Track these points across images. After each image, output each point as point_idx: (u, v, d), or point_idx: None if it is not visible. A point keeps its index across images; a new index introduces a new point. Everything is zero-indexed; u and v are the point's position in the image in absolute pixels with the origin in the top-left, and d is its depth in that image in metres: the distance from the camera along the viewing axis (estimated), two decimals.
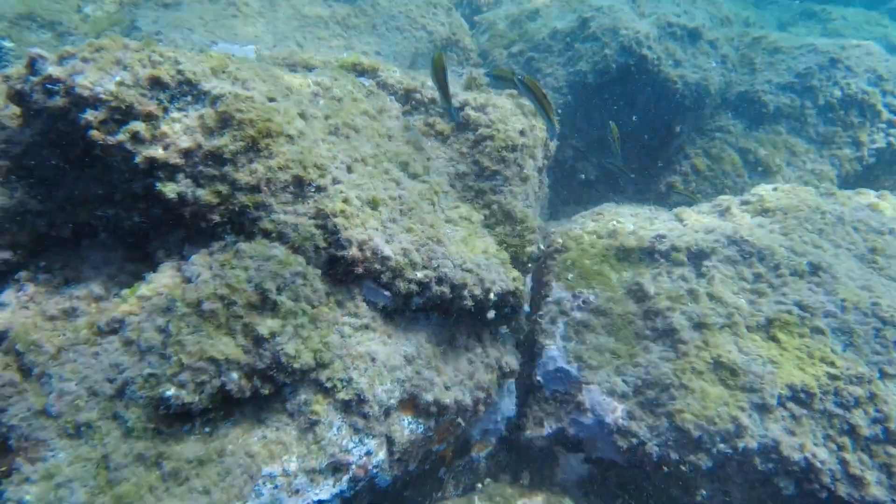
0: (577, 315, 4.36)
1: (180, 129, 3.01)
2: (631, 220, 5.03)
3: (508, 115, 4.18)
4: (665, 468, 3.76)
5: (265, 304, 2.85)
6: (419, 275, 3.24)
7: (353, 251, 3.08)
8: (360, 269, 3.11)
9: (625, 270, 4.58)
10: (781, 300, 4.10)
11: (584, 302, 4.40)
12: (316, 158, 3.15)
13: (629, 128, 8.04)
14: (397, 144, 3.84)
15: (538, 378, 4.23)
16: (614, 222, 4.95)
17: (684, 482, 3.81)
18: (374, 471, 3.16)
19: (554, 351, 4.25)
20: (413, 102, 4.36)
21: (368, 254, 3.13)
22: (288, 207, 3.07)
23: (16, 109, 3.13)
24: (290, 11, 6.50)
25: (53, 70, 2.84)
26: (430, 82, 4.45)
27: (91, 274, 3.19)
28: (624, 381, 3.98)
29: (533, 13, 8.94)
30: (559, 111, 7.62)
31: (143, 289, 2.96)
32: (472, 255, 3.48)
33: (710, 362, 3.85)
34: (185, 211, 3.03)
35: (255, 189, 3.01)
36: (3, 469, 2.54)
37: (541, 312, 4.46)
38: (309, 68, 4.33)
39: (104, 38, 3.01)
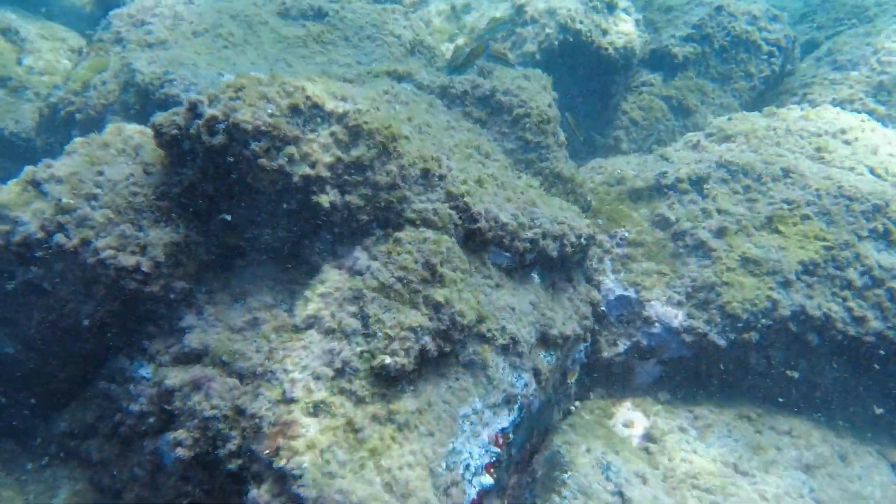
0: (619, 251, 5.20)
1: (318, 147, 3.46)
2: (629, 167, 5.93)
3: (535, 94, 4.90)
4: (724, 350, 4.69)
5: (434, 278, 3.40)
6: (530, 234, 3.90)
7: (483, 223, 3.69)
8: (488, 236, 3.73)
9: (641, 208, 5.48)
10: (772, 201, 5.16)
11: (621, 239, 5.25)
12: (431, 152, 3.71)
13: (574, 96, 9.03)
14: (462, 132, 4.45)
15: (602, 308, 5.02)
16: (618, 171, 5.83)
17: (738, 357, 4.77)
18: (531, 398, 3.81)
19: (609, 283, 5.06)
20: (449, 97, 4.97)
21: (492, 223, 3.75)
22: (422, 197, 3.62)
23: (158, 155, 3.43)
24: (272, 35, 6.81)
25: (213, 111, 3.20)
26: (457, 78, 5.07)
27: (252, 288, 3.57)
28: (675, 292, 4.87)
29: (465, 6, 9.67)
30: None
31: (321, 288, 3.41)
32: (556, 211, 4.19)
33: (737, 260, 4.82)
34: (337, 216, 3.50)
35: (393, 186, 3.53)
36: (269, 451, 2.94)
37: None
38: (349, 81, 4.80)
39: (238, 78, 3.39)
